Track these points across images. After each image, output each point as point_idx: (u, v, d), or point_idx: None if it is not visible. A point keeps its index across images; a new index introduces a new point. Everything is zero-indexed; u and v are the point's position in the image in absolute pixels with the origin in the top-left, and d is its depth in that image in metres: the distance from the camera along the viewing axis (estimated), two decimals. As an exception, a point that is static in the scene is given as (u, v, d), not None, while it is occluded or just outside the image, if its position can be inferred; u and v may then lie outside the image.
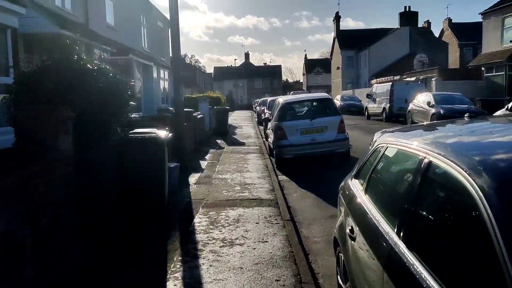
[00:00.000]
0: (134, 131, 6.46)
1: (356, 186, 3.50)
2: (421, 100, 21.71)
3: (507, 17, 26.39)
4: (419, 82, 26.08)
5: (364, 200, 3.11)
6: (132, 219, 6.18)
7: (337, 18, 60.24)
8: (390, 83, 26.10)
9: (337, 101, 34.95)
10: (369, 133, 15.97)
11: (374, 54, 51.38)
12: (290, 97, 13.10)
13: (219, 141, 17.53)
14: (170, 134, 7.11)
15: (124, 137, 6.26)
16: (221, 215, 6.65)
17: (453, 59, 55.18)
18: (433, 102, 19.90)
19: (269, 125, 13.22)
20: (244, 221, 6.29)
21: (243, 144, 16.70)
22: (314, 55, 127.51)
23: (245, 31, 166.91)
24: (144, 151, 6.22)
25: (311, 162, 11.42)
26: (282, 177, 10.04)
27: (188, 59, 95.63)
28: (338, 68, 58.53)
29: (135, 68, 16.60)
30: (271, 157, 13.02)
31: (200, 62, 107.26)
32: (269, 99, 23.80)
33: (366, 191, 3.20)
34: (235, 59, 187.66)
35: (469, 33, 58.00)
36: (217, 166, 11.34)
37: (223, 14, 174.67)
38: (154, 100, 20.25)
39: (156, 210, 6.49)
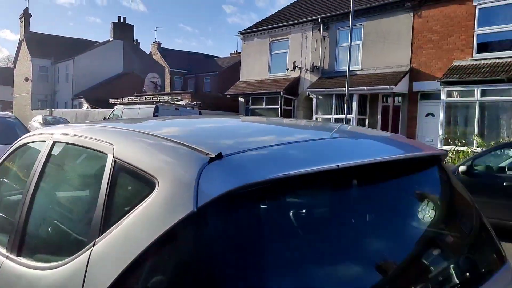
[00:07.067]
0: None
1: None
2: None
3: (276, 41, 22.43)
4: (192, 107, 18.53)
5: None
6: None
7: (26, 16, 46.01)
8: (153, 105, 17.45)
9: (38, 124, 24.24)
10: None
11: (79, 68, 40.67)
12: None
13: None
14: None
15: None
16: None
17: (165, 85, 50.67)
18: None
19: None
20: None
21: None
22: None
23: None
24: None
25: None
26: None
27: None
28: (26, 79, 44.22)
29: None
30: None
31: None
32: None
33: None
34: None
35: (177, 61, 55.30)
36: None
37: None
38: None
39: None
